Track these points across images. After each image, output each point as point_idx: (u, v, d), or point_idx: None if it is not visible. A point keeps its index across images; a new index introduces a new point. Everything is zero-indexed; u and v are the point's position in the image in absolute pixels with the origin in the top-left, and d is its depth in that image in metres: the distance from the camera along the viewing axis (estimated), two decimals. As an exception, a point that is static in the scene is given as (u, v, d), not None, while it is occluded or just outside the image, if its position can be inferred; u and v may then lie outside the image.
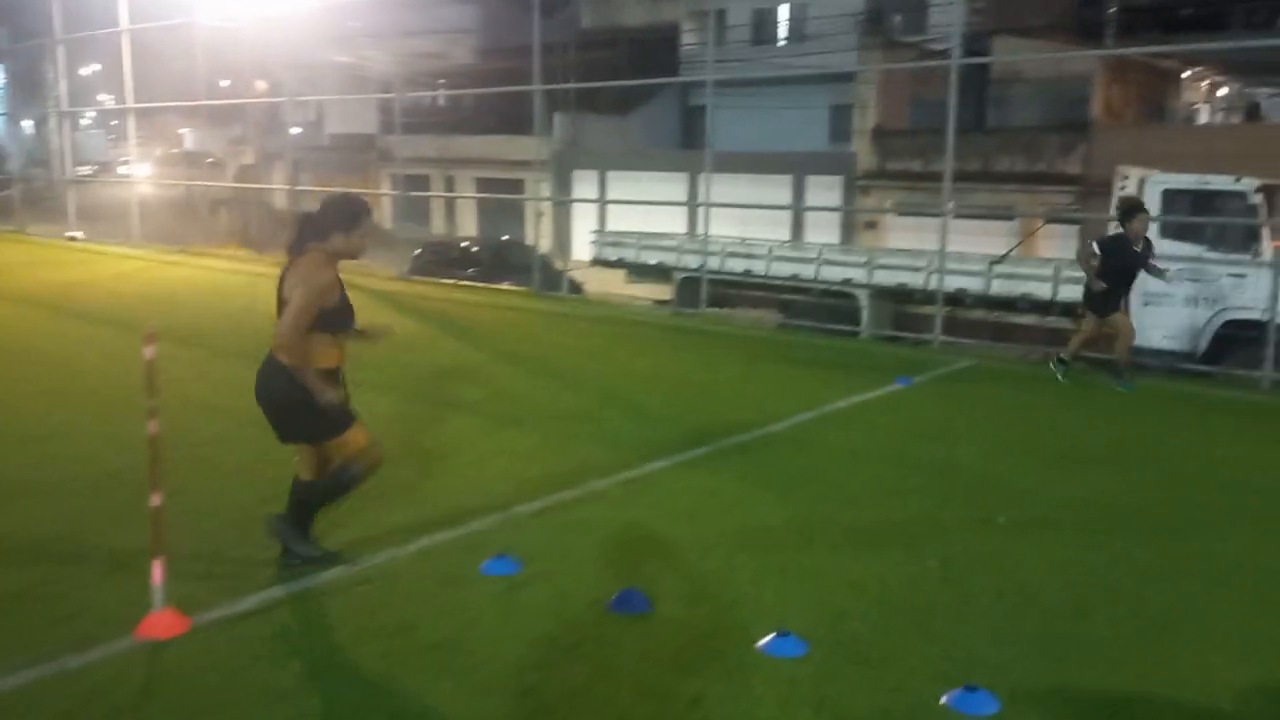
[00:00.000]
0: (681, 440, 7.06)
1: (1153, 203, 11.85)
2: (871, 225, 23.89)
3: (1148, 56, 21.73)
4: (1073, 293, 12.46)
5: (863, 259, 14.81)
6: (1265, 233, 11.41)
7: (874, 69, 23.81)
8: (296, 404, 4.29)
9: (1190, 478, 6.66)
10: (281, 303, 4.30)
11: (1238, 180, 11.51)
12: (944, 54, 23.84)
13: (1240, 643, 4.16)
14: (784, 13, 31.08)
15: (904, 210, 21.84)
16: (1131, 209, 9.10)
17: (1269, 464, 7.08)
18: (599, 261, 17.89)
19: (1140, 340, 11.54)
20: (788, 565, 4.88)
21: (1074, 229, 19.40)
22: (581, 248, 20.58)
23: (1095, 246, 9.21)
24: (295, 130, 30.12)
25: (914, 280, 13.82)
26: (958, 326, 12.68)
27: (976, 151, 21.88)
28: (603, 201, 25.63)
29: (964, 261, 13.17)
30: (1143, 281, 11.70)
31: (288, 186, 21.25)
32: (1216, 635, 4.23)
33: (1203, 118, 25.65)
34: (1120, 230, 9.08)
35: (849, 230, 24.43)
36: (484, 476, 6.19)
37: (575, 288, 16.08)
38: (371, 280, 14.80)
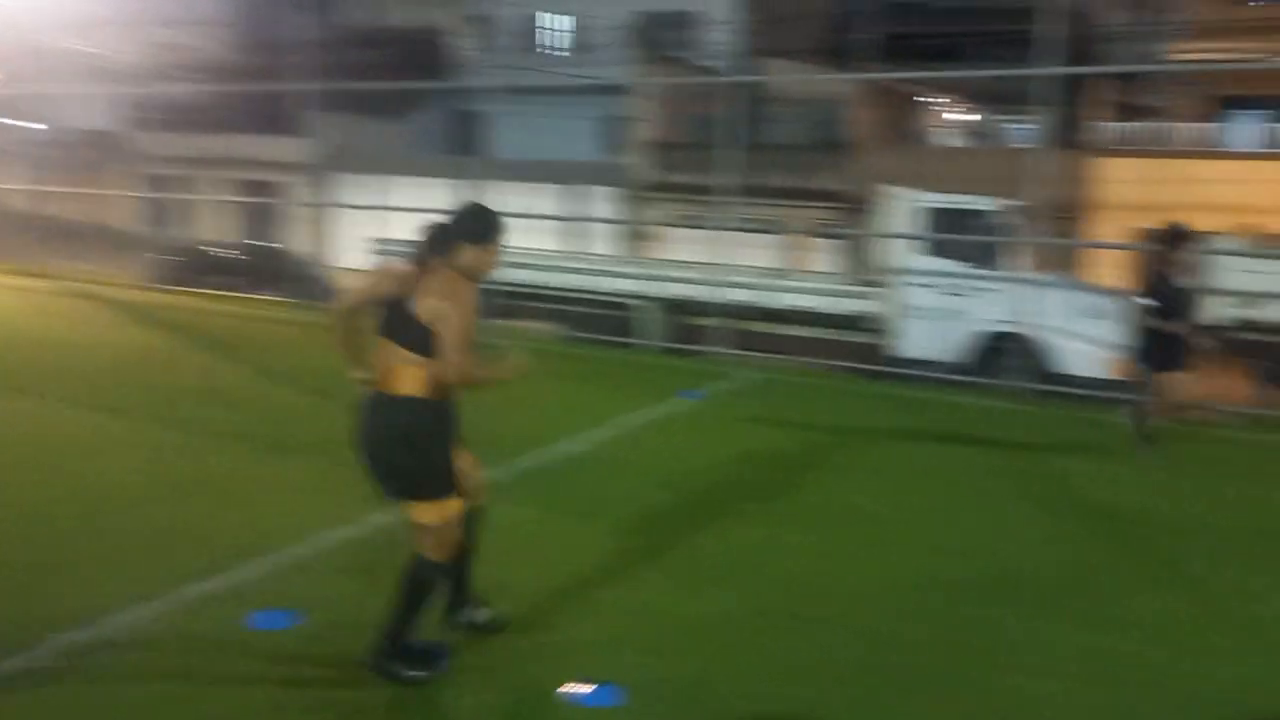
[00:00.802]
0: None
1: (916, 221, 12.45)
2: (651, 237, 24.12)
3: (898, 82, 23.06)
4: (847, 306, 12.92)
5: (646, 271, 14.80)
6: (1018, 250, 12.21)
7: (651, 83, 24.06)
8: (424, 449, 3.63)
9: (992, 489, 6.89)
10: (400, 328, 3.59)
11: (992, 201, 12.26)
12: (716, 71, 24.47)
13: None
14: (557, 22, 31.02)
15: (682, 223, 22.16)
16: (1178, 236, 7.23)
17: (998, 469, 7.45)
18: (372, 271, 17.05)
19: (907, 351, 12.13)
20: (604, 602, 4.58)
21: (840, 243, 20.28)
22: (352, 256, 19.58)
23: (1148, 298, 7.28)
24: (38, 125, 27.20)
25: (695, 292, 13.92)
26: (739, 339, 12.87)
27: (749, 167, 22.52)
28: (373, 208, 24.55)
29: (744, 274, 13.38)
30: (911, 295, 12.30)
31: (27, 186, 19.06)
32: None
33: (950, 141, 27.53)
34: (1161, 269, 7.25)
35: (629, 242, 24.56)
36: (252, 515, 5.53)
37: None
38: (110, 289, 13.41)
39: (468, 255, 3.68)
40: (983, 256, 12.02)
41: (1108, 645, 4.34)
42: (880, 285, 12.75)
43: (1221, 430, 9.71)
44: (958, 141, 26.98)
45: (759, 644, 4.23)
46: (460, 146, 30.55)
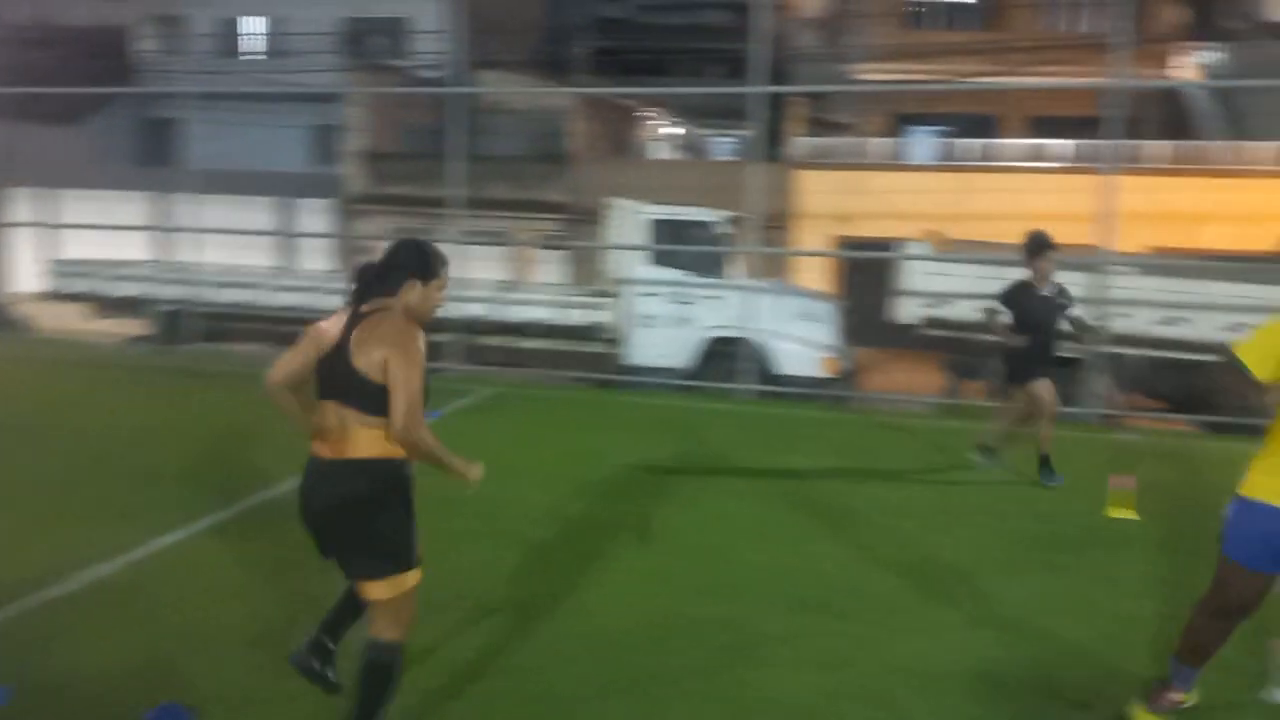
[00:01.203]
0: (202, 503, 6.12)
1: (640, 232, 12.80)
2: (369, 252, 23.34)
3: (616, 96, 23.69)
4: (579, 316, 13.06)
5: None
6: (736, 258, 12.84)
7: (362, 91, 23.31)
8: (384, 517, 3.19)
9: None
10: (344, 387, 3.14)
11: (711, 212, 12.82)
12: (431, 81, 24.08)
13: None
14: (256, 25, 29.39)
15: (401, 236, 21.63)
16: (1039, 245, 7.26)
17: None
18: (58, 295, 15.40)
19: (638, 359, 12.44)
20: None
21: (565, 254, 20.53)
22: (27, 279, 17.59)
23: (998, 303, 7.38)
24: None
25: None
26: (474, 354, 12.71)
27: (470, 178, 22.38)
28: (49, 225, 22.21)
29: (474, 288, 13.22)
30: (644, 303, 12.62)
31: None
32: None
33: (661, 154, 28.58)
34: (1023, 276, 7.37)
35: (346, 256, 23.65)
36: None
37: (23, 325, 13.69)
38: None
39: (414, 294, 3.25)
40: (705, 265, 12.53)
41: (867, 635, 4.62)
42: (610, 295, 13.01)
43: (919, 419, 10.68)
44: (671, 155, 28.06)
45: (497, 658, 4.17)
46: (151, 156, 28.29)
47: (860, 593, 5.16)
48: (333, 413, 3.18)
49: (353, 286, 3.28)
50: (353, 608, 3.50)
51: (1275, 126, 18.41)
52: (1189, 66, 21.25)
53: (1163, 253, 14.60)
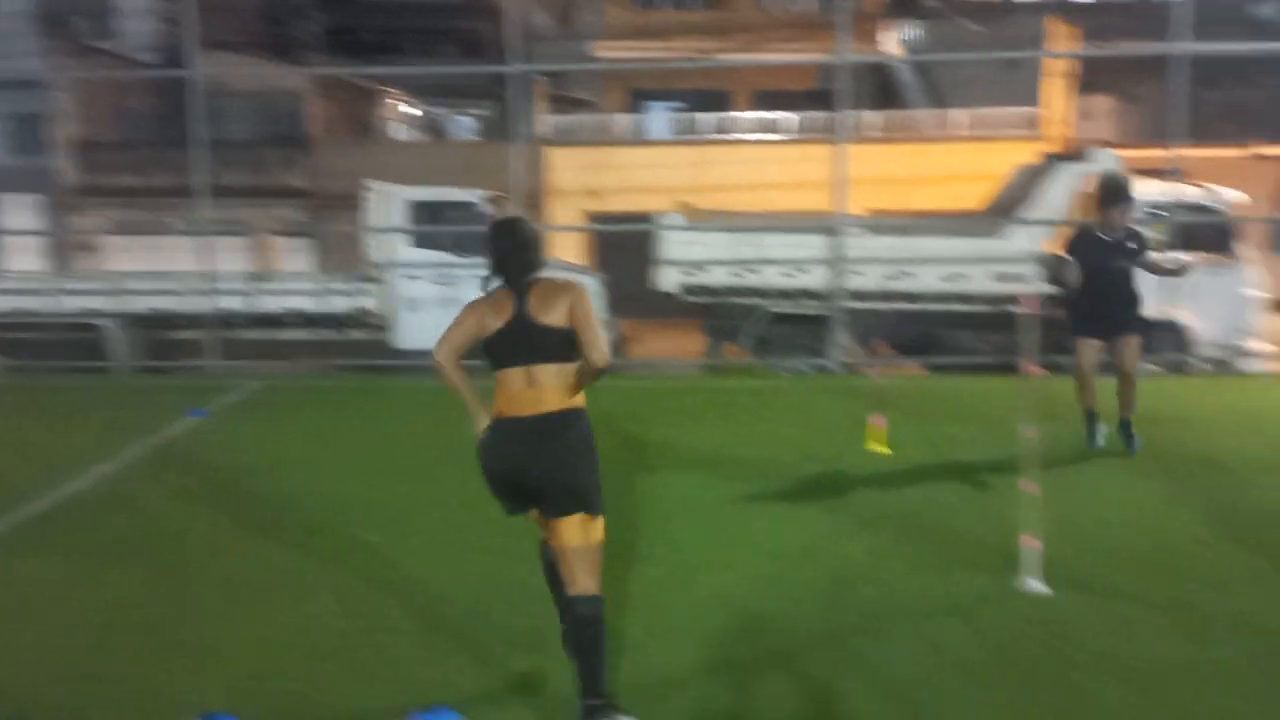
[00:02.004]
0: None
1: (400, 215, 12.67)
2: (91, 248, 21.56)
3: (353, 76, 23.02)
4: (340, 304, 12.76)
5: (109, 285, 13.28)
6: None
7: (71, 75, 21.40)
8: (592, 456, 3.61)
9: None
10: (532, 337, 3.51)
11: (472, 192, 12.85)
12: (145, 63, 22.44)
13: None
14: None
15: (128, 229, 20.15)
16: (1114, 193, 6.83)
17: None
18: None
19: (408, 343, 12.34)
20: (169, 643, 4.24)
21: (313, 242, 19.85)
22: None
23: (1065, 252, 6.90)
24: None
25: (169, 304, 12.83)
26: (233, 349, 12.17)
27: (198, 165, 21.26)
28: None
29: (222, 280, 12.60)
30: (409, 287, 12.50)
31: None
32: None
33: (402, 134, 28.02)
34: (1091, 225, 7.04)
35: (59, 255, 21.74)
36: None
37: None
38: None
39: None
40: (470, 246, 12.57)
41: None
42: (372, 280, 12.79)
43: (684, 381, 11.29)
44: (415, 136, 27.58)
45: (338, 655, 4.24)
46: None
47: (666, 539, 5.52)
48: (523, 377, 3.53)
49: (498, 270, 3.60)
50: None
51: (970, 96, 20.51)
52: (893, 42, 23.20)
53: (882, 214, 15.99)
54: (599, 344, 3.51)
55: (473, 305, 3.63)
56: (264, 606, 4.66)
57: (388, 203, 12.83)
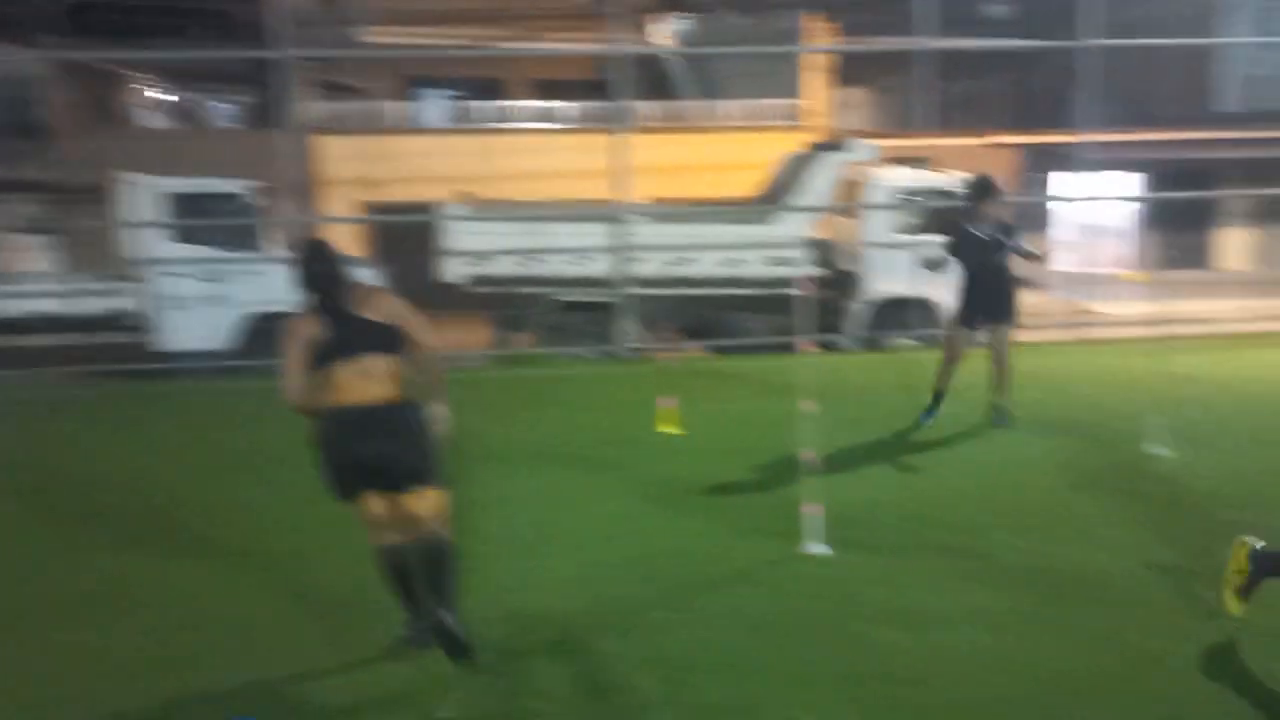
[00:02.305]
0: None
1: (156, 208, 11.88)
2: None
3: (98, 61, 21.33)
4: (92, 305, 11.86)
5: None
6: (269, 229, 12.38)
7: None
8: (428, 437, 4.00)
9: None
10: (364, 335, 3.85)
11: (237, 182, 12.19)
12: None
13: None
14: None
15: None
16: (984, 189, 7.27)
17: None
18: None
19: (173, 345, 11.64)
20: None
21: (58, 238, 18.28)
22: None
23: (944, 250, 7.42)
24: None
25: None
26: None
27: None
28: None
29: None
30: (172, 285, 11.76)
31: None
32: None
33: (155, 122, 26.23)
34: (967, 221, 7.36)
35: None
36: None
37: None
38: None
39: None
40: (237, 239, 11.96)
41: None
42: (129, 279, 11.95)
43: (474, 373, 11.22)
44: (170, 123, 25.89)
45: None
46: None
47: (467, 530, 5.49)
48: (358, 369, 3.81)
49: (315, 290, 3.86)
50: (412, 579, 3.98)
51: (739, 88, 21.30)
52: (664, 34, 23.77)
53: (661, 202, 16.41)
54: (426, 329, 3.92)
55: (293, 331, 3.87)
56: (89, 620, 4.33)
57: (142, 195, 12.01)
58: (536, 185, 17.21)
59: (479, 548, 5.25)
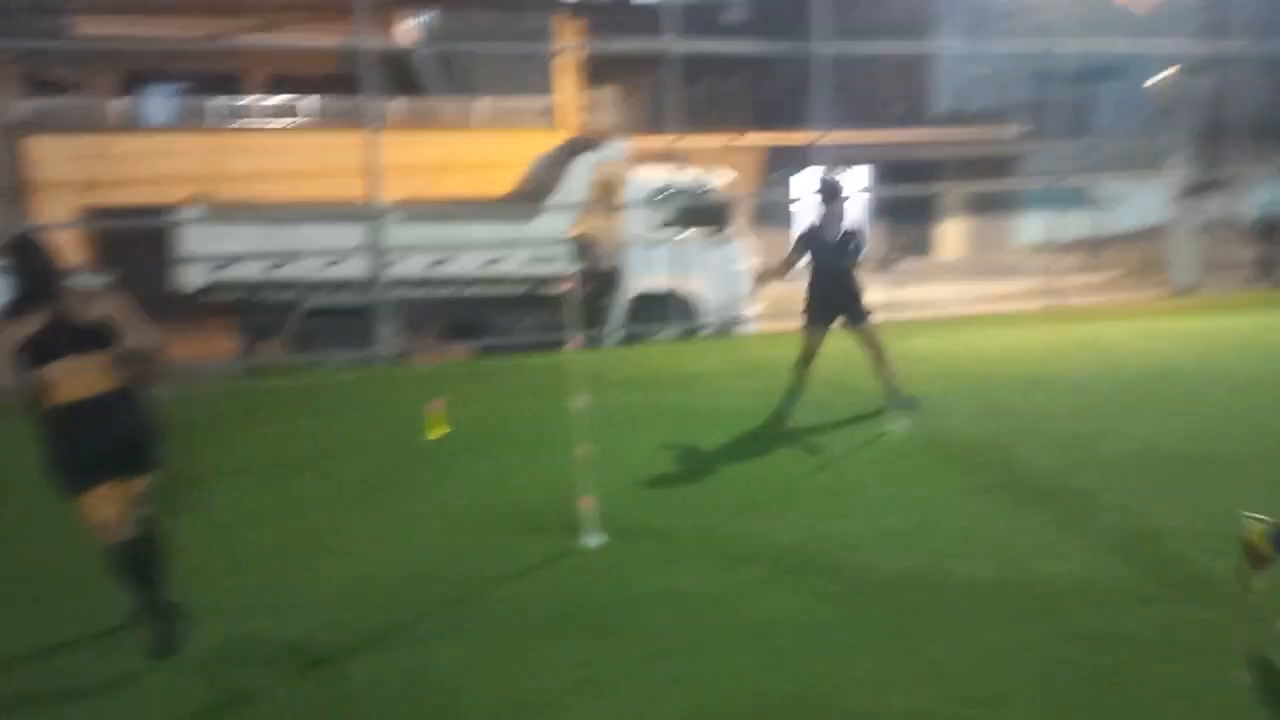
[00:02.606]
0: None
1: None
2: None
3: None
4: None
5: None
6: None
7: None
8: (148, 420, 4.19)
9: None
10: (78, 336, 3.95)
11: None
12: None
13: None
14: None
15: None
16: (832, 192, 7.35)
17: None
18: None
19: None
20: None
21: None
22: None
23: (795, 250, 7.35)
24: None
25: None
26: None
27: None
28: None
29: None
30: None
31: None
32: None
33: None
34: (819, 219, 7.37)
35: None
36: None
37: None
38: None
39: None
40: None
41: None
42: None
43: (222, 385, 10.58)
44: None
45: None
46: None
47: (227, 554, 5.17)
48: (76, 367, 3.88)
49: (30, 289, 3.88)
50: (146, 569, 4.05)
51: (490, 86, 21.16)
52: (410, 29, 23.26)
53: (413, 202, 16.08)
54: (144, 329, 4.01)
55: (4, 331, 3.85)
56: None
57: None
58: (279, 185, 16.43)
59: (223, 565, 4.97)
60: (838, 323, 7.37)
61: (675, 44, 12.59)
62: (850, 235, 7.30)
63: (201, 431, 7.71)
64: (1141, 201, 24.90)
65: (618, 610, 4.38)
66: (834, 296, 7.32)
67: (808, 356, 7.43)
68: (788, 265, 7.42)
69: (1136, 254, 19.59)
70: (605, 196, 13.02)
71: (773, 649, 4.00)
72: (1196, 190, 14.99)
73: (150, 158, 17.76)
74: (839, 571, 4.73)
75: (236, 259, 11.45)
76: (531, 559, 4.96)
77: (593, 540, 5.09)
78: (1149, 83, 16.21)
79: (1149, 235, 24.41)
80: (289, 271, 11.57)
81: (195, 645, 4.09)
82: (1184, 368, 8.88)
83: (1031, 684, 3.65)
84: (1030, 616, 4.18)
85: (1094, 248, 20.15)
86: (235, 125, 20.09)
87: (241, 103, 20.84)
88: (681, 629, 4.18)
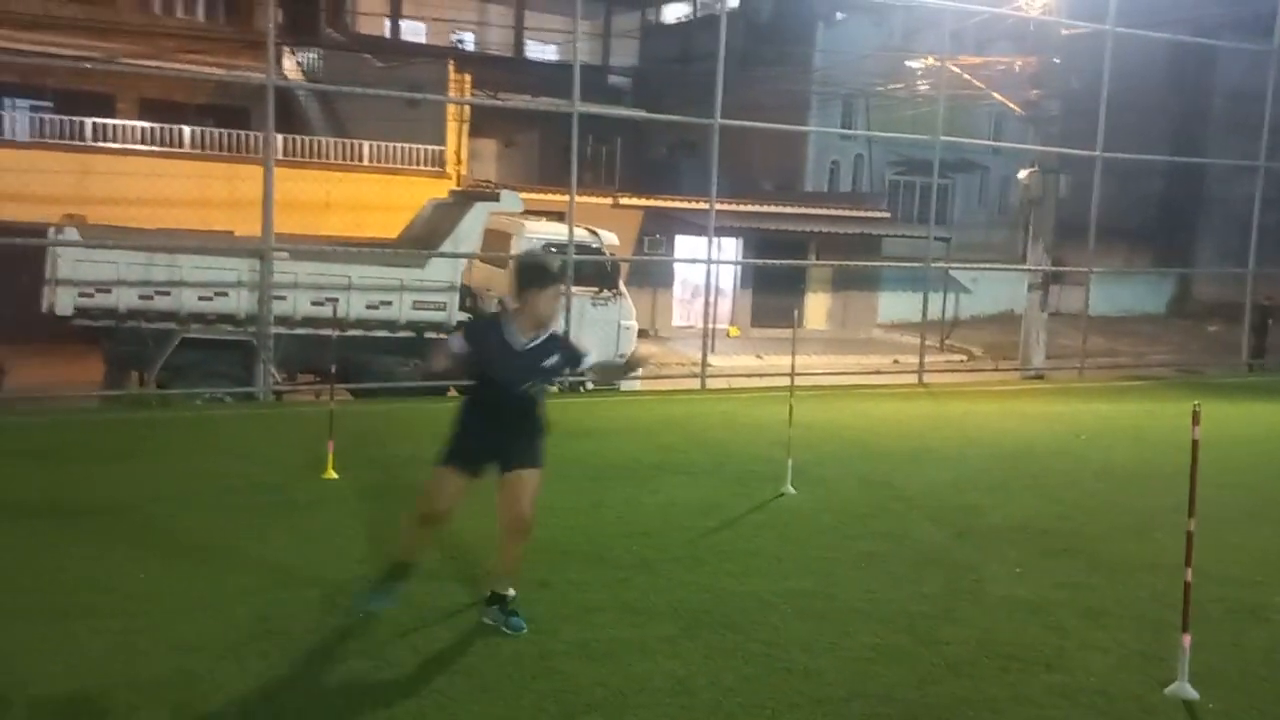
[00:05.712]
0: None
1: None
2: None
3: None
4: None
5: None
6: None
7: None
8: None
9: None
10: None
11: None
12: None
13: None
14: None
15: None
16: (540, 275, 4.74)
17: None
18: None
19: None
20: None
21: None
22: None
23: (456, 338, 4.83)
24: None
25: None
26: None
27: None
28: None
29: None
30: None
31: None
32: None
33: None
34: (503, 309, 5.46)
35: None
36: None
37: None
38: None
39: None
40: None
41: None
42: None
43: (83, 414, 10.05)
44: None
45: None
46: None
47: (111, 589, 4.91)
48: None
49: None
50: None
51: (373, 130, 20.96)
52: (292, 67, 22.87)
53: (292, 240, 15.70)
54: None
55: None
56: None
57: None
58: (147, 211, 15.82)
59: (118, 616, 4.64)
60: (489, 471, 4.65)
61: (571, 105, 12.72)
62: (553, 343, 4.73)
63: (62, 462, 7.33)
64: (993, 289, 26.55)
65: (538, 660, 4.37)
66: (495, 425, 4.59)
67: (434, 516, 4.72)
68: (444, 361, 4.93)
69: (989, 337, 20.82)
70: (494, 247, 13.03)
71: (696, 705, 4.06)
72: (1045, 283, 16.07)
73: (13, 173, 16.83)
74: (753, 630, 4.83)
75: (110, 285, 10.92)
76: (450, 607, 4.89)
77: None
78: (1018, 175, 17.28)
79: (1001, 320, 25.87)
80: (165, 301, 11.11)
81: None
82: (1048, 448, 9.49)
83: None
84: (932, 682, 4.37)
85: (950, 328, 21.26)
86: (106, 147, 19.24)
87: (116, 125, 20.02)
88: (604, 682, 4.19)
